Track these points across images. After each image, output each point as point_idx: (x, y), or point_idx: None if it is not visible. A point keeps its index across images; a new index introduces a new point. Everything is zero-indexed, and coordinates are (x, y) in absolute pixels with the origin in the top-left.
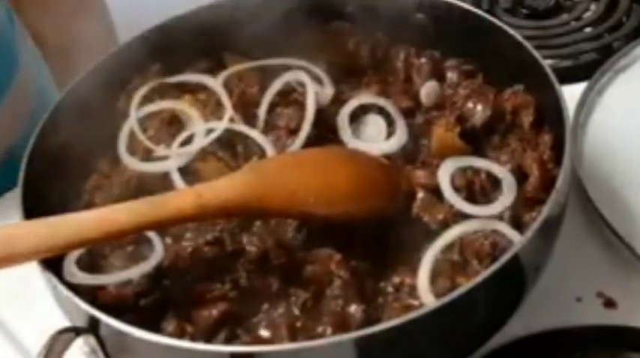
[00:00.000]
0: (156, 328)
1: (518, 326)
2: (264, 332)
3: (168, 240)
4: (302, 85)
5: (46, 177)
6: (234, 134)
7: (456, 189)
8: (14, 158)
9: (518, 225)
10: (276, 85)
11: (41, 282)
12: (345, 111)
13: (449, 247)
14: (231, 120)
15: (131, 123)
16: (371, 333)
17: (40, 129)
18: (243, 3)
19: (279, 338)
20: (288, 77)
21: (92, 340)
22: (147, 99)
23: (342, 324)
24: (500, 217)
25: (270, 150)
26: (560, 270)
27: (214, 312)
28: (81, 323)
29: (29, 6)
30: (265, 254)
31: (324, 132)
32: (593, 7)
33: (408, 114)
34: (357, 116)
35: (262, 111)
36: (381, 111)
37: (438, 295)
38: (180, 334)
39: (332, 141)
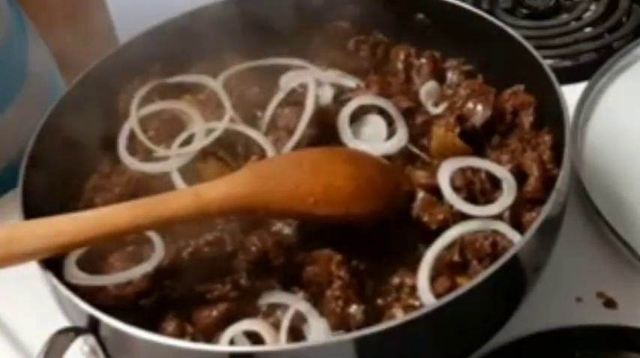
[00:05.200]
0: (156, 328)
1: (519, 326)
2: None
3: (169, 240)
4: (303, 86)
5: (46, 177)
6: (234, 134)
7: (456, 189)
8: None
9: (518, 225)
10: (285, 89)
11: (41, 282)
12: (346, 112)
13: (449, 247)
14: (231, 120)
15: (131, 123)
16: (371, 333)
17: (40, 129)
18: (243, 3)
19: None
20: (295, 81)
21: (92, 340)
22: (147, 100)
23: (342, 324)
24: (500, 217)
25: (270, 151)
26: (560, 270)
27: (214, 312)
28: (81, 323)
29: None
30: (265, 254)
31: (325, 133)
32: (593, 7)
33: (408, 114)
34: (357, 116)
35: (267, 114)
36: (382, 111)
37: (438, 295)
38: (180, 334)
39: (332, 141)
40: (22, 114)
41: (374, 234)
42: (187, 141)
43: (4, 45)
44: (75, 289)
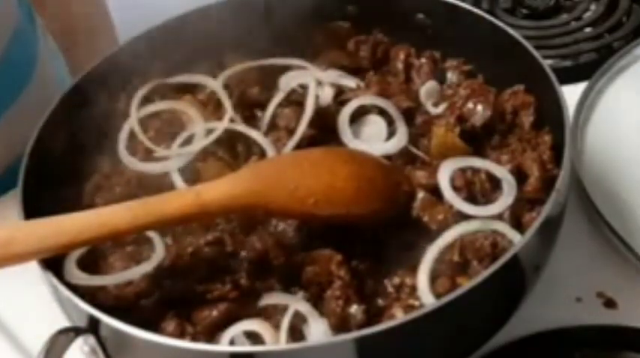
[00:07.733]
0: (156, 328)
1: (519, 326)
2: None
3: (169, 240)
4: (303, 86)
5: (46, 177)
6: (234, 134)
7: (456, 189)
8: None
9: (518, 225)
10: (285, 89)
11: (41, 282)
12: (346, 112)
13: (449, 247)
14: (231, 120)
15: (131, 123)
16: (371, 333)
17: (41, 129)
18: (243, 3)
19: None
20: (295, 81)
21: (92, 340)
22: (147, 100)
23: (342, 324)
24: (500, 217)
25: (270, 151)
26: (560, 270)
27: (214, 312)
28: (81, 323)
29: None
30: (265, 254)
31: (325, 133)
32: (593, 7)
33: (408, 114)
34: (357, 116)
35: (267, 114)
36: (382, 111)
37: (438, 295)
38: (180, 334)
39: (332, 141)
40: (26, 113)
41: (374, 233)
42: (187, 141)
43: (14, 37)
44: (75, 289)
